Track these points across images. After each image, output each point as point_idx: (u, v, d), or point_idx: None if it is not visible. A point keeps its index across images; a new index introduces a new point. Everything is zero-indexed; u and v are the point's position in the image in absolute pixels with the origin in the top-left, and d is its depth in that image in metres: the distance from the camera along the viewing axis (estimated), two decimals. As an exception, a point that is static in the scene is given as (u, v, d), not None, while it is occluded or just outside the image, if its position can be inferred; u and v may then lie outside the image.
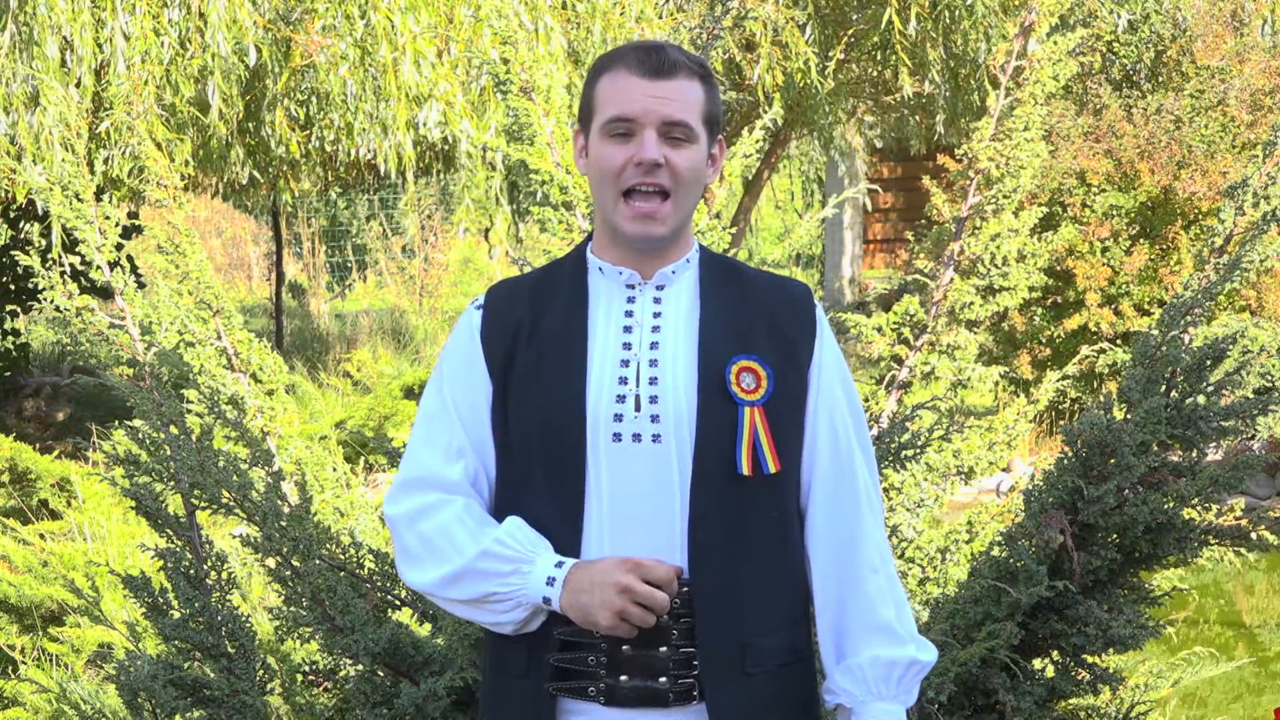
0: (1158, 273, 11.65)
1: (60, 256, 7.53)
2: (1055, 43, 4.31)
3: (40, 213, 10.36)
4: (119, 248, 4.29)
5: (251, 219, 21.24)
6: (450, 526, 2.55)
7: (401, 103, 8.53)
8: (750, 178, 13.75)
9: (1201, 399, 3.51)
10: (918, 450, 4.04)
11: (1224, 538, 3.54)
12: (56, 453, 9.93)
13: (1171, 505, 3.46)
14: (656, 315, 2.58)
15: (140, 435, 3.89)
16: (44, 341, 15.72)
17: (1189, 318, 3.65)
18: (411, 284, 20.07)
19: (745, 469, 2.50)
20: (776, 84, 11.17)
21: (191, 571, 3.78)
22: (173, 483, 3.84)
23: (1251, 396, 3.53)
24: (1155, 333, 3.59)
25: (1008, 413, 4.28)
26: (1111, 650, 3.54)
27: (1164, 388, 3.53)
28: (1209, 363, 3.51)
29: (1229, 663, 5.49)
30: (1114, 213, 11.64)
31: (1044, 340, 11.86)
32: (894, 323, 4.38)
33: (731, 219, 13.88)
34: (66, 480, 8.61)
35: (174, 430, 3.87)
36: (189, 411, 4.06)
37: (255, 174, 10.08)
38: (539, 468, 2.55)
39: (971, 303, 4.32)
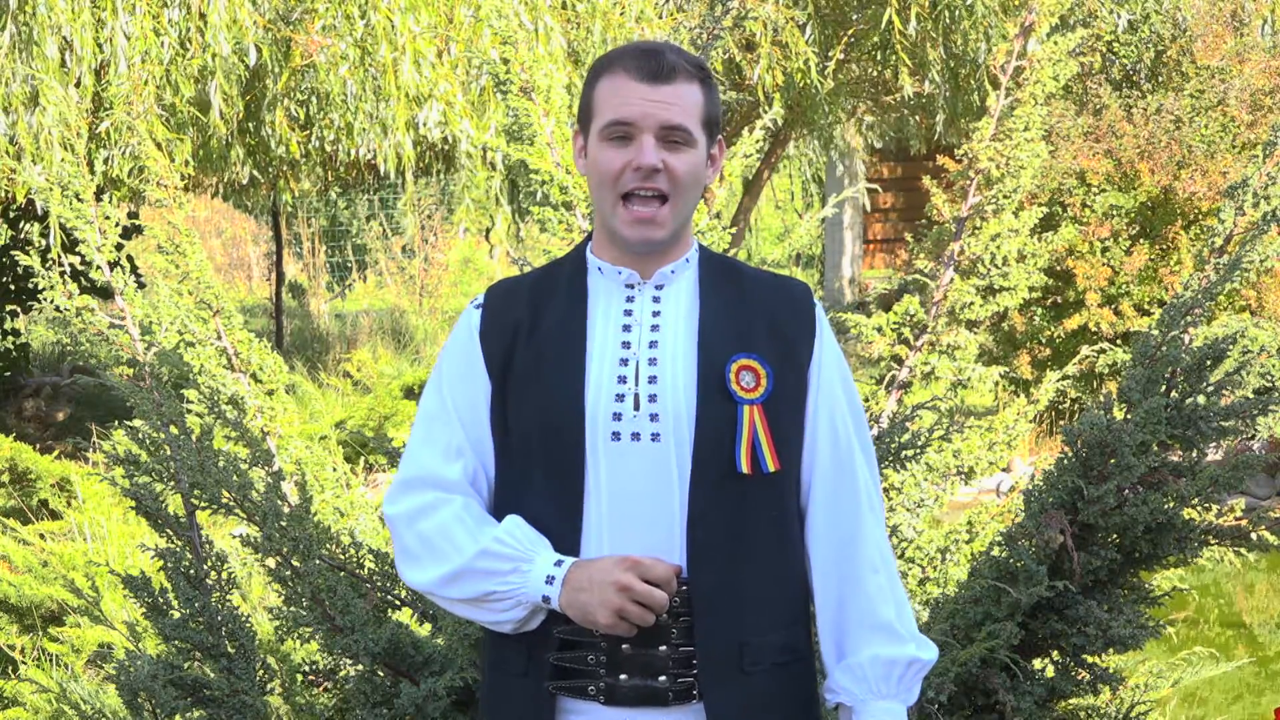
0: (1158, 273, 11.65)
1: (60, 256, 7.53)
2: (1055, 43, 4.31)
3: (40, 213, 10.37)
4: (119, 248, 4.29)
5: (251, 219, 21.23)
6: (449, 526, 2.55)
7: (401, 103, 8.53)
8: (750, 178, 13.74)
9: (1201, 399, 3.51)
10: (918, 450, 4.04)
11: (1224, 538, 3.54)
12: (56, 453, 9.92)
13: (1171, 505, 3.46)
14: (656, 315, 2.58)
15: (140, 435, 3.89)
16: (44, 341, 15.71)
17: (1189, 318, 3.65)
18: (411, 284, 20.06)
19: (744, 468, 2.50)
20: (776, 84, 11.17)
21: (191, 571, 3.78)
22: (173, 483, 3.84)
23: (1251, 396, 3.53)
24: (1155, 333, 3.59)
25: (1008, 413, 4.28)
26: (1111, 650, 3.54)
27: (1164, 388, 3.52)
28: (1209, 363, 3.51)
29: (1229, 663, 5.48)
30: (1114, 213, 11.63)
31: (1044, 340, 11.85)
32: (894, 323, 4.38)
33: (731, 219, 13.87)
34: (66, 480, 8.60)
35: (174, 430, 3.87)
36: (189, 411, 4.06)
37: (255, 174, 10.08)
38: (538, 467, 2.55)
39: (971, 303, 4.32)
